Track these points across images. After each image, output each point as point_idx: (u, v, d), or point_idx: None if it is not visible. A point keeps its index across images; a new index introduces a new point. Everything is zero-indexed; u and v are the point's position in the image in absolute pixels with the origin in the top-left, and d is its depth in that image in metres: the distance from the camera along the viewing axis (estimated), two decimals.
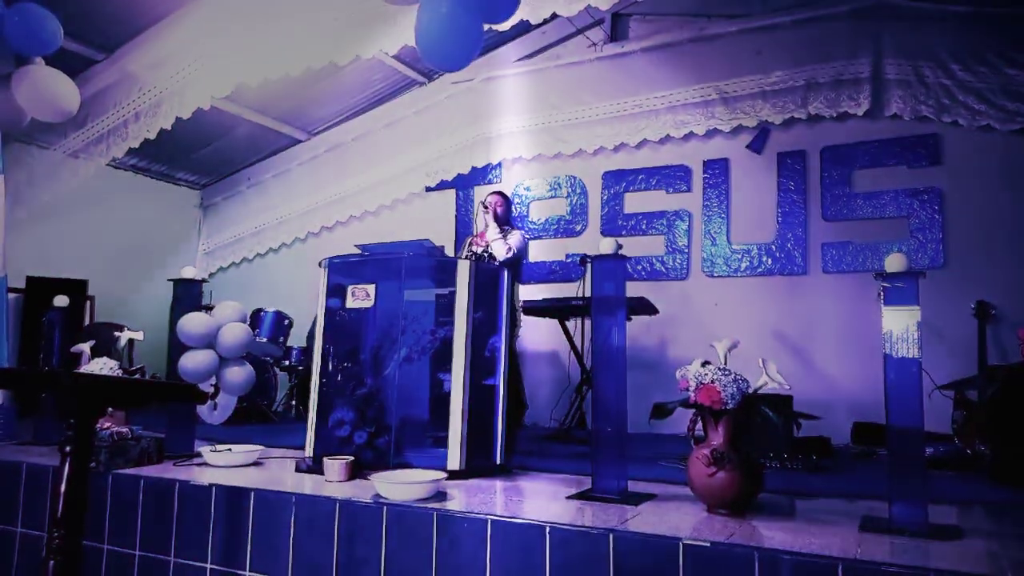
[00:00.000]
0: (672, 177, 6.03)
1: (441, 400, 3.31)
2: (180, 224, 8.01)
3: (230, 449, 3.48)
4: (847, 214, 5.38)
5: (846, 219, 5.38)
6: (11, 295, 5.11)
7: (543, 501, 2.79)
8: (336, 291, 3.65)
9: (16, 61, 4.35)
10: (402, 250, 3.66)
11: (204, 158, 7.54)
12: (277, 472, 3.32)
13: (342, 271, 3.69)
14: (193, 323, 3.88)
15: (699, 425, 3.15)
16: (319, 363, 3.58)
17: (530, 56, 6.51)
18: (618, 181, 6.23)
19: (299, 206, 7.57)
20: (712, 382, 2.51)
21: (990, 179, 4.96)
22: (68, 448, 1.95)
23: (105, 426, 3.32)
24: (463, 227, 6.73)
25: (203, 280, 4.22)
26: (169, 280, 4.05)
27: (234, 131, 7.05)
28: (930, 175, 5.15)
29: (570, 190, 6.43)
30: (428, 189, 6.94)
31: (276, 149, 7.66)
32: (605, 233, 6.04)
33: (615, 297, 2.95)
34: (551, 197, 6.53)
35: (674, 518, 2.44)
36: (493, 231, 4.39)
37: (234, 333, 4.04)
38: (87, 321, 6.31)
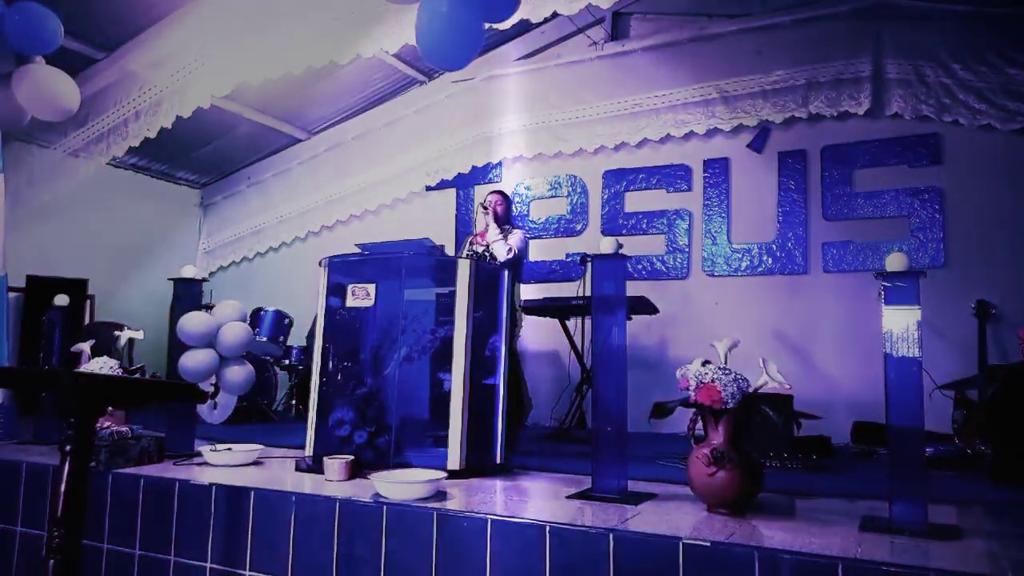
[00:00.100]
0: (673, 176, 6.03)
1: (441, 399, 3.31)
2: (180, 223, 8.01)
3: (230, 448, 3.48)
4: (848, 213, 5.38)
5: (847, 218, 5.37)
6: (11, 294, 5.11)
7: (543, 500, 2.79)
8: (336, 290, 3.65)
9: (16, 60, 4.35)
10: (402, 249, 3.66)
11: (204, 157, 7.54)
12: (277, 471, 3.32)
13: (342, 270, 3.68)
14: (193, 322, 3.88)
15: (699, 424, 3.15)
16: (319, 362, 3.58)
17: (531, 55, 6.51)
18: (619, 180, 6.23)
19: (299, 205, 7.57)
20: (712, 381, 2.51)
21: (991, 178, 4.96)
22: (68, 447, 1.95)
23: (105, 425, 3.32)
24: (463, 226, 6.73)
25: (203, 279, 4.22)
26: (169, 279, 4.04)
27: (234, 130, 7.05)
28: (931, 174, 5.15)
29: (570, 189, 6.43)
30: (428, 188, 6.94)
31: (276, 148, 7.66)
32: (605, 232, 6.04)
33: (615, 296, 2.95)
34: (551, 196, 6.53)
35: (674, 518, 2.44)
36: (493, 232, 4.38)
37: (234, 332, 4.04)
38: (87, 320, 6.31)
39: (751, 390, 2.53)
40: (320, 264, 3.71)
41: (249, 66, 4.99)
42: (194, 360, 3.88)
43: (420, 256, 3.68)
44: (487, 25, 3.44)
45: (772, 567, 1.97)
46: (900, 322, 2.39)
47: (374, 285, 3.57)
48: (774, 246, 5.58)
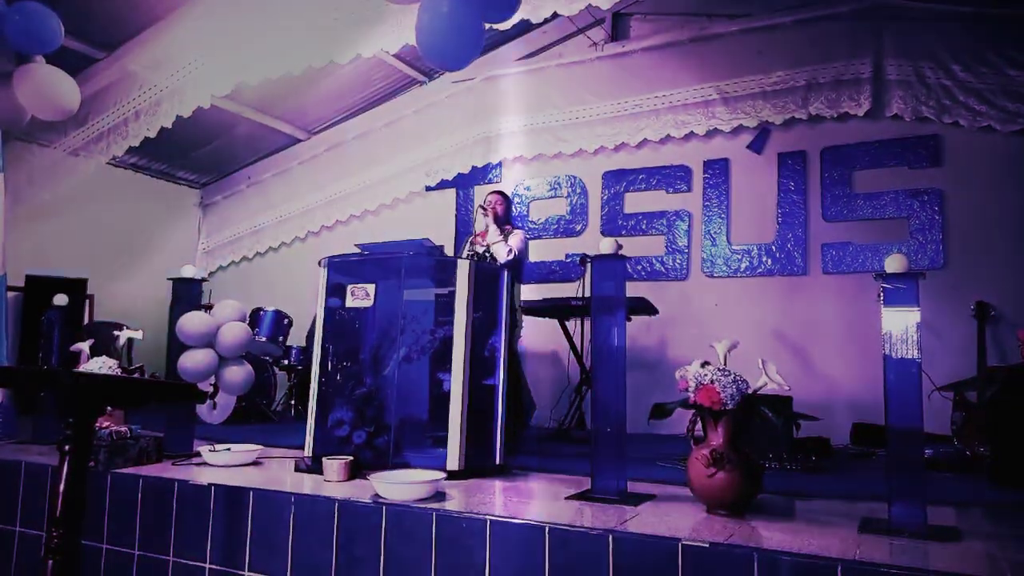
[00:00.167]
0: (672, 177, 6.03)
1: (440, 400, 3.31)
2: (180, 223, 8.00)
3: (229, 449, 3.48)
4: (847, 215, 5.38)
5: (846, 220, 5.37)
6: (10, 293, 5.11)
7: (542, 501, 2.79)
8: (336, 290, 3.65)
9: (17, 59, 4.35)
10: (402, 249, 3.65)
11: (204, 157, 7.54)
12: (276, 472, 3.32)
13: (342, 270, 3.68)
14: (192, 322, 3.88)
15: (698, 426, 3.15)
16: (318, 362, 3.58)
17: (531, 55, 6.51)
18: (618, 181, 6.23)
19: (299, 205, 7.57)
20: (712, 383, 2.51)
21: (991, 180, 4.96)
22: (67, 447, 1.94)
23: (104, 425, 3.32)
24: (463, 226, 6.73)
25: (203, 279, 4.21)
26: (168, 279, 4.04)
27: (234, 130, 7.05)
28: (930, 176, 5.15)
29: (570, 190, 6.43)
30: (428, 188, 6.94)
31: (276, 148, 7.66)
32: (605, 233, 6.04)
33: (615, 297, 2.95)
34: (551, 197, 6.53)
35: (673, 519, 2.43)
36: (494, 233, 4.38)
37: (233, 332, 4.04)
38: (86, 320, 6.30)
39: (750, 391, 2.53)
40: (320, 264, 3.71)
41: (249, 66, 4.99)
42: (193, 360, 3.88)
43: (420, 256, 3.67)
44: (487, 25, 3.44)
45: (771, 568, 1.97)
46: (899, 323, 2.39)
47: (373, 285, 3.57)
48: (774, 247, 5.58)
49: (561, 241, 6.39)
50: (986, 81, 4.80)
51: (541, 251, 6.42)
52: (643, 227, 6.07)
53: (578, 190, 6.39)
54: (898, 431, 2.35)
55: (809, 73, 5.34)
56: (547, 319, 5.41)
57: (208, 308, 5.03)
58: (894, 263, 2.41)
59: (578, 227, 6.35)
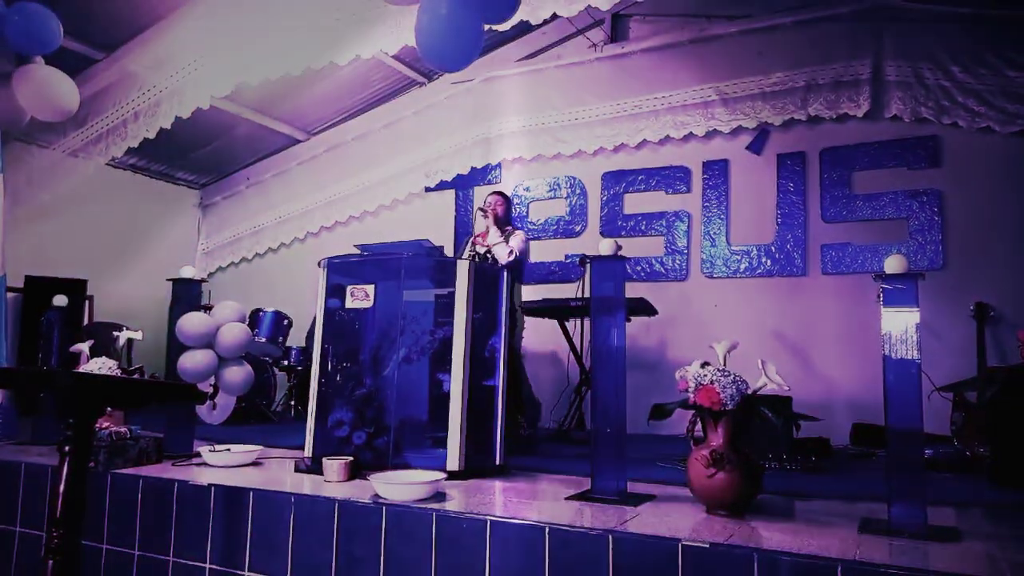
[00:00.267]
0: (672, 178, 6.03)
1: (440, 400, 3.31)
2: (179, 224, 8.00)
3: (229, 449, 3.48)
4: (847, 215, 5.38)
5: (845, 220, 5.38)
6: (10, 294, 5.11)
7: (542, 502, 2.79)
8: (335, 291, 3.65)
9: (16, 60, 4.36)
10: (401, 250, 3.65)
11: (203, 157, 7.54)
12: (276, 472, 3.32)
13: (341, 271, 3.68)
14: (192, 323, 3.88)
15: (698, 426, 3.14)
16: (318, 363, 3.58)
17: (530, 56, 6.51)
18: (618, 182, 6.23)
19: (298, 206, 7.57)
20: (711, 383, 2.51)
21: (990, 181, 4.96)
22: (67, 448, 1.95)
23: (104, 426, 3.32)
24: (462, 227, 6.73)
25: (202, 280, 4.21)
26: (168, 280, 4.04)
27: (233, 131, 7.05)
28: (930, 177, 5.15)
29: (569, 191, 6.43)
30: (428, 189, 6.94)
31: (276, 149, 7.66)
32: (604, 234, 6.04)
33: (614, 298, 2.95)
34: (550, 198, 6.53)
35: (673, 519, 2.44)
36: (494, 235, 4.38)
37: (233, 333, 4.04)
38: (86, 321, 6.30)
39: (750, 392, 2.53)
40: (319, 265, 3.71)
41: (248, 67, 4.99)
42: (193, 361, 3.88)
43: (419, 257, 3.68)
44: (487, 26, 3.44)
45: (771, 569, 1.97)
46: (899, 324, 2.39)
47: (373, 286, 3.57)
48: (773, 248, 5.58)
49: (560, 242, 6.39)
50: (985, 82, 4.80)
51: (540, 252, 6.42)
52: (642, 228, 6.07)
53: (577, 191, 6.39)
54: (898, 431, 2.35)
55: (808, 74, 5.34)
56: (546, 320, 5.41)
57: (208, 309, 5.03)
58: (893, 264, 2.41)
59: (577, 228, 6.36)
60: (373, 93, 6.91)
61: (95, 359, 3.72)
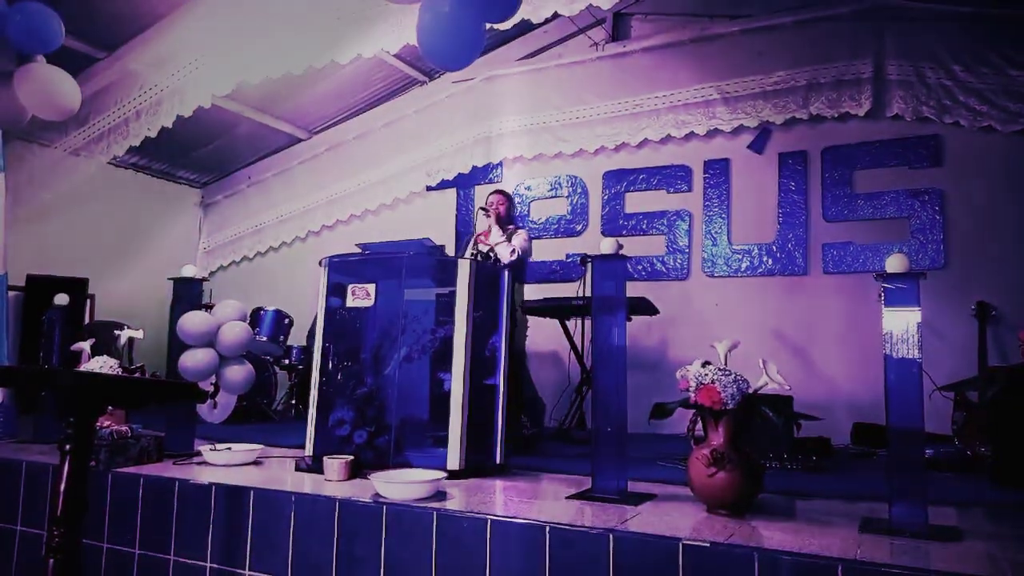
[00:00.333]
0: (673, 177, 6.03)
1: (441, 399, 3.31)
2: (180, 222, 8.00)
3: (230, 448, 3.48)
4: (848, 215, 5.38)
5: (847, 220, 5.37)
6: (11, 293, 5.10)
7: (543, 501, 2.79)
8: (336, 290, 3.65)
9: (18, 59, 4.35)
10: (402, 249, 3.66)
11: (205, 156, 7.54)
12: (277, 471, 3.32)
13: (342, 270, 3.68)
14: (193, 322, 3.88)
15: (699, 425, 3.15)
16: (319, 362, 3.58)
17: (531, 55, 6.51)
18: (619, 181, 6.23)
19: (300, 205, 7.57)
20: (712, 382, 2.51)
21: (991, 180, 4.96)
22: (68, 446, 1.94)
23: (105, 425, 3.32)
24: (464, 226, 6.73)
25: (203, 279, 4.21)
26: (169, 279, 4.04)
27: (235, 129, 7.05)
28: (931, 176, 5.14)
29: (571, 190, 6.43)
30: (429, 188, 6.94)
31: (277, 148, 7.66)
32: (606, 233, 6.04)
33: (615, 297, 2.94)
34: (552, 197, 6.53)
35: (674, 518, 2.44)
36: (496, 234, 4.38)
37: (234, 332, 4.04)
38: (87, 319, 6.30)
39: (751, 391, 2.53)
40: (320, 264, 3.71)
41: (250, 65, 4.99)
42: (194, 359, 3.88)
43: (420, 256, 3.67)
44: (488, 25, 3.44)
45: (772, 568, 1.97)
46: (900, 323, 2.39)
47: (374, 285, 3.57)
48: (774, 247, 5.58)
49: (562, 241, 6.39)
50: (987, 81, 4.80)
51: (542, 251, 6.41)
52: (644, 227, 6.07)
53: (578, 190, 6.39)
54: (899, 431, 2.35)
55: (810, 73, 5.34)
56: (547, 319, 5.41)
57: (209, 308, 5.03)
58: (895, 263, 2.41)
59: (579, 227, 6.35)
60: (374, 92, 6.91)
61: (96, 358, 3.72)
